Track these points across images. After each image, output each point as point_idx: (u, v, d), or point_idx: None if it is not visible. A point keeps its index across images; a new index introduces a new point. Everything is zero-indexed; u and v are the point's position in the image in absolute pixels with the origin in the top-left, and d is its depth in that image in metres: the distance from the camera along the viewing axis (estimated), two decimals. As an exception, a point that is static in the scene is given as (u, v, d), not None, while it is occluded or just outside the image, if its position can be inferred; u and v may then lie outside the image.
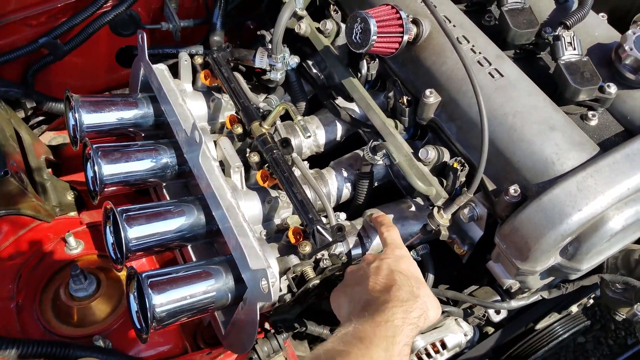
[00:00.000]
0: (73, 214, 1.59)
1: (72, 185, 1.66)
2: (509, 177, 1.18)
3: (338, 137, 1.56)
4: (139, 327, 1.18)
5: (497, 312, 1.35)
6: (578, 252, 1.10)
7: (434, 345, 1.47)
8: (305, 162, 1.44)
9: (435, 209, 1.25)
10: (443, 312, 1.39)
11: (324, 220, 1.23)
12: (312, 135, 1.48)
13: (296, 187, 1.24)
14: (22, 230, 1.46)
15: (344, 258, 1.27)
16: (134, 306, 1.20)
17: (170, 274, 1.19)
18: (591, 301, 1.65)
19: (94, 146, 1.33)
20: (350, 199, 1.48)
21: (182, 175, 1.45)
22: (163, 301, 1.12)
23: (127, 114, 1.46)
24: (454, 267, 1.44)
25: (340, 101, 1.55)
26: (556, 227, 1.06)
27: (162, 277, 1.17)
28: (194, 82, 1.54)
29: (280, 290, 1.24)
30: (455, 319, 1.50)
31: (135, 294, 1.19)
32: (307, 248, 1.18)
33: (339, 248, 1.29)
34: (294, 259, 1.23)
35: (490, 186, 1.21)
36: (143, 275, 1.14)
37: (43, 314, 1.35)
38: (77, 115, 1.40)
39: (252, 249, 1.15)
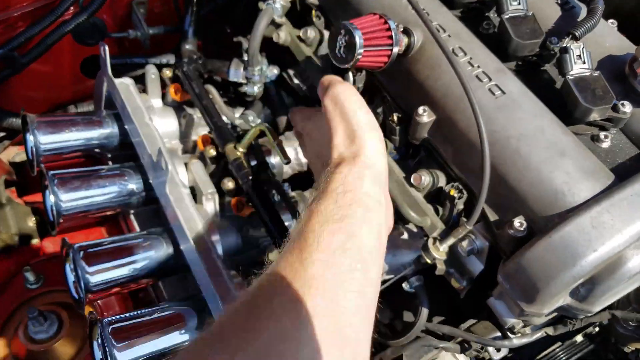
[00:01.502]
0: (35, 241, 1.45)
1: (34, 208, 1.52)
2: (512, 207, 1.06)
3: (323, 155, 1.43)
4: (103, 377, 1.06)
5: (498, 349, 1.23)
6: (591, 295, 0.98)
7: (428, 381, 1.36)
8: (286, 184, 1.32)
9: (431, 241, 1.13)
10: (437, 347, 1.27)
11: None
12: (292, 158, 1.35)
13: (274, 219, 1.12)
14: (-23, 264, 1.32)
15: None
16: (98, 354, 1.08)
17: (135, 318, 1.07)
18: (597, 329, 1.54)
19: (50, 173, 1.19)
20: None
21: (151, 201, 1.32)
22: (126, 355, 1.00)
23: (90, 135, 1.33)
24: (450, 294, 1.32)
25: (325, 116, 1.42)
26: (568, 269, 0.93)
27: (126, 322, 1.05)
28: (163, 97, 1.40)
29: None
30: (453, 354, 1.39)
31: (99, 341, 1.06)
32: (287, 289, 1.06)
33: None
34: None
35: (492, 216, 1.09)
36: (104, 321, 1.01)
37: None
38: (33, 137, 1.26)
39: (226, 290, 1.03)
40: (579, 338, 1.48)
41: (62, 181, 1.19)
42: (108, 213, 1.27)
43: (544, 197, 1.02)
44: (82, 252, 1.09)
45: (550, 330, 1.20)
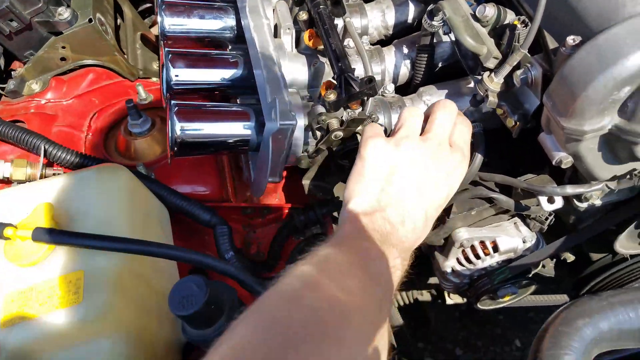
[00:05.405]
0: (155, 79, 1.69)
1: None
2: (572, 30, 1.00)
3: (409, 19, 1.45)
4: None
5: (551, 200, 1.16)
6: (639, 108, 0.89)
7: (483, 244, 1.32)
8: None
9: (486, 73, 1.11)
10: (489, 197, 1.23)
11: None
12: (379, 21, 1.41)
13: (333, 38, 1.18)
14: (105, 81, 1.59)
15: (374, 116, 1.19)
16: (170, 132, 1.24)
17: (199, 107, 1.22)
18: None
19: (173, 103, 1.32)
20: (409, 81, 1.38)
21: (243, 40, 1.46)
22: (185, 127, 1.15)
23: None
24: (508, 161, 1.27)
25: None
26: (608, 69, 0.87)
27: (190, 107, 1.20)
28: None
29: (308, 144, 1.20)
30: (515, 223, 1.33)
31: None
32: (331, 96, 1.12)
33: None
34: (320, 109, 1.18)
35: (552, 44, 1.04)
36: (172, 102, 1.18)
37: (107, 148, 1.48)
38: (160, 18, 1.42)
39: (285, 104, 1.12)
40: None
41: (169, 6, 1.38)
42: (206, 40, 1.43)
43: (603, 11, 0.95)
44: (170, 54, 1.27)
45: (612, 185, 1.10)
